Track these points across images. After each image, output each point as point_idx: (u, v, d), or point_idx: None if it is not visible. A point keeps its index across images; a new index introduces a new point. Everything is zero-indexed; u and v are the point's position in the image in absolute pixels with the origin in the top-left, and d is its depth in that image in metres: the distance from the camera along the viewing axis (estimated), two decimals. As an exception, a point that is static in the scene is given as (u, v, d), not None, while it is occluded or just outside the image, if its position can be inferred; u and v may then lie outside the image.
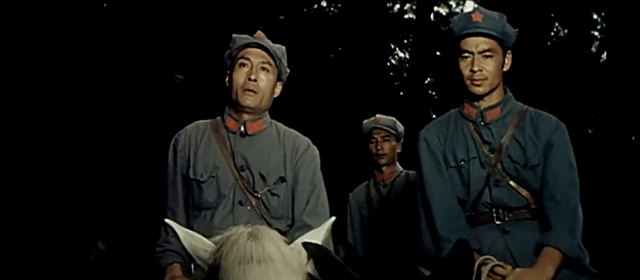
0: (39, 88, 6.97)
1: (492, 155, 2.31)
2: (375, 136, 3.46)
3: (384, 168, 3.49)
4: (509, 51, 2.36)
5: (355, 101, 9.71)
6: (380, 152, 3.44)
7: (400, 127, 3.51)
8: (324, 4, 10.69)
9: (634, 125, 7.27)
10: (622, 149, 7.01)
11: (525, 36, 7.74)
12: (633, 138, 7.71)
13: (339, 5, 10.39)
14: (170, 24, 7.63)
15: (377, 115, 3.54)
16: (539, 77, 7.68)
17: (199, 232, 2.13)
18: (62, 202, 6.21)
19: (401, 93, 10.92)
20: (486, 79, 2.28)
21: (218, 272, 1.59)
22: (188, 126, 2.43)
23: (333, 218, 1.83)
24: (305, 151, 2.38)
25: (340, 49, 10.24)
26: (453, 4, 10.17)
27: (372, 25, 10.20)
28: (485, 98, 2.34)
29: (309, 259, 1.68)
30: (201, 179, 2.30)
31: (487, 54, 2.27)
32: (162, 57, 7.68)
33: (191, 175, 2.32)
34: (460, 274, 2.11)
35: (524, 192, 2.28)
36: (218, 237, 1.67)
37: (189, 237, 1.70)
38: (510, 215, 2.27)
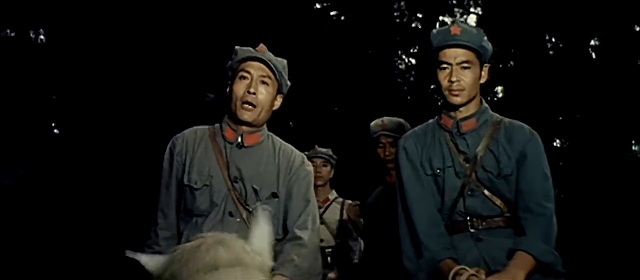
0: (93, 109, 7.37)
1: (467, 164, 2.31)
2: (383, 141, 3.40)
3: (392, 172, 3.28)
4: (486, 64, 2.37)
5: (365, 106, 10.03)
6: (388, 157, 3.37)
7: (409, 128, 3.28)
8: (333, 13, 11.06)
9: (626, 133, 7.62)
10: (614, 158, 7.36)
11: (524, 49, 8.18)
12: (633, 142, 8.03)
13: (349, 15, 10.76)
14: (201, 46, 7.95)
15: (385, 119, 3.46)
16: (537, 89, 8.09)
17: (187, 237, 2.18)
18: (114, 211, 6.60)
19: (408, 97, 11.03)
20: (464, 89, 2.29)
21: None
22: (186, 131, 2.41)
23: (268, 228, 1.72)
24: (299, 167, 2.36)
25: (349, 56, 10.57)
26: (457, 14, 10.52)
27: (380, 33, 10.56)
28: (462, 109, 2.35)
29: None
30: (195, 186, 2.28)
31: (465, 65, 2.29)
32: (194, 76, 8.00)
33: (185, 181, 2.29)
34: None
35: (498, 201, 2.29)
36: (177, 251, 1.61)
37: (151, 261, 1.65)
38: (484, 223, 2.28)
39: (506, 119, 2.40)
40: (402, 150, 2.41)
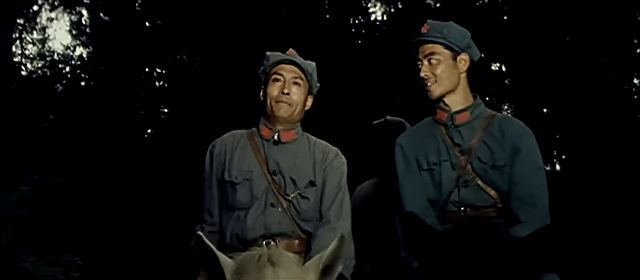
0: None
1: (461, 156, 2.32)
2: None
3: None
4: (465, 54, 2.39)
5: (401, 117, 10.75)
6: None
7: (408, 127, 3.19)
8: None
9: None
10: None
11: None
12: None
13: (385, 29, 11.47)
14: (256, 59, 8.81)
15: (387, 117, 3.38)
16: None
17: (232, 231, 2.34)
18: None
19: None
20: (433, 80, 2.36)
21: None
22: (225, 135, 2.51)
23: (341, 235, 1.79)
24: (334, 158, 2.45)
25: (387, 70, 11.36)
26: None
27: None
28: (449, 102, 2.39)
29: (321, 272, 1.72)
30: (236, 181, 2.37)
31: (431, 58, 2.36)
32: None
33: (226, 177, 2.39)
34: None
35: (492, 192, 2.29)
36: (238, 259, 1.70)
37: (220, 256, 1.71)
38: (476, 214, 2.28)
39: (500, 114, 2.44)
40: (399, 147, 2.45)
